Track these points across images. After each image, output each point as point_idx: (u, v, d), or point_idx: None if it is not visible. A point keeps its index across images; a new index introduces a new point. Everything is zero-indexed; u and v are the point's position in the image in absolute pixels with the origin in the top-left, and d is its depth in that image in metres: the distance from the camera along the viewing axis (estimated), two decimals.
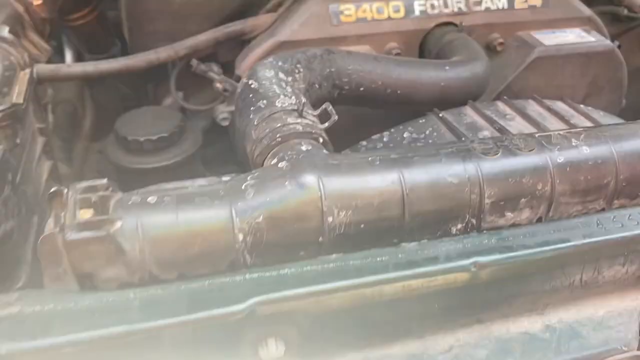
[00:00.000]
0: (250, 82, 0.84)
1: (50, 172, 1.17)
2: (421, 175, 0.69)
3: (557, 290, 0.71)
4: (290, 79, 0.86)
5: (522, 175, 0.72)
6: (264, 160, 0.73)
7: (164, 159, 1.15)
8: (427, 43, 1.35)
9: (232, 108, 1.29)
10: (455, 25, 1.34)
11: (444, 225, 0.71)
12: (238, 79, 1.24)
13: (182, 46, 1.23)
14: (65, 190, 0.64)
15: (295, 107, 0.76)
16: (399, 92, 1.11)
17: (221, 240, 0.64)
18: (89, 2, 1.42)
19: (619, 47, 1.80)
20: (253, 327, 0.60)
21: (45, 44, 1.28)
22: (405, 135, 1.01)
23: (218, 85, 1.28)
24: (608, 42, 1.43)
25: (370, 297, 0.63)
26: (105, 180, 0.66)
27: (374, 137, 1.03)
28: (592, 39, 1.41)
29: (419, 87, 1.12)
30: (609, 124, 0.87)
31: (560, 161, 0.73)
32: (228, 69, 1.34)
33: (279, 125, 0.74)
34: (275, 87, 0.81)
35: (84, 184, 0.66)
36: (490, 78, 1.34)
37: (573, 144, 0.76)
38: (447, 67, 1.15)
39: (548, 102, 1.08)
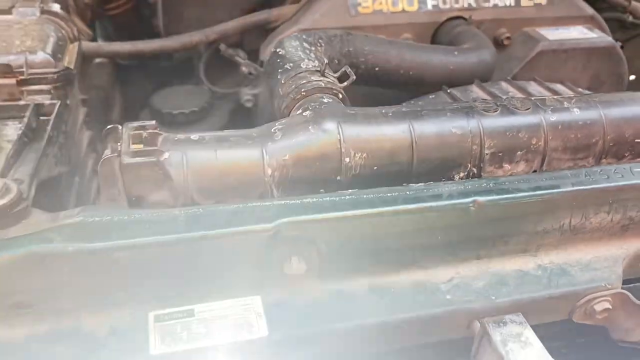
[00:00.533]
0: (278, 50, 0.95)
1: (90, 141, 1.28)
2: (429, 126, 0.79)
3: (548, 233, 0.79)
4: (313, 48, 0.96)
5: (518, 130, 0.81)
6: (290, 112, 0.83)
7: (194, 131, 1.24)
8: (438, 35, 1.45)
9: (256, 91, 1.40)
10: (464, 19, 1.44)
11: (448, 172, 0.81)
12: (262, 64, 1.35)
13: (212, 31, 1.34)
14: (120, 127, 0.74)
15: (318, 68, 0.86)
16: (411, 73, 1.21)
17: (253, 174, 0.74)
18: None
19: (621, 46, 1.89)
20: (279, 245, 0.69)
21: (87, 28, 1.40)
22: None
23: (244, 68, 1.38)
24: (609, 38, 1.52)
25: (380, 227, 0.72)
26: (154, 122, 0.76)
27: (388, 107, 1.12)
28: (594, 35, 1.50)
29: (429, 69, 1.22)
30: (598, 93, 0.95)
31: (552, 120, 0.83)
32: (252, 57, 1.45)
33: (303, 82, 0.84)
34: (300, 53, 0.92)
35: (136, 123, 0.76)
36: (497, 69, 1.45)
37: (565, 106, 0.85)
38: (456, 52, 1.25)
39: (549, 84, 1.17)
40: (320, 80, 0.84)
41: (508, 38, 1.49)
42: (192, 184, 0.72)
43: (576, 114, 0.84)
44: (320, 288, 0.73)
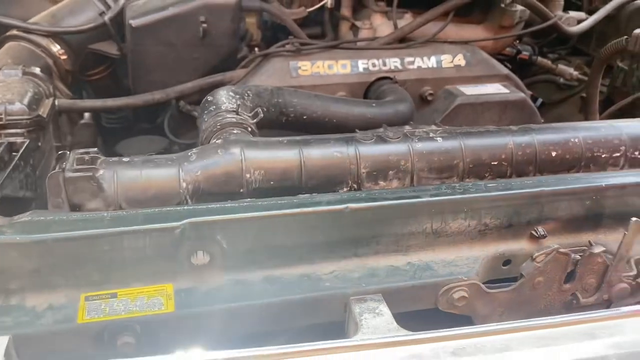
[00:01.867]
0: (208, 97, 1.17)
1: None
2: (315, 150, 1.00)
3: (414, 235, 0.97)
4: (238, 96, 1.18)
5: (388, 154, 1.02)
6: (209, 142, 1.04)
7: None
8: (369, 92, 1.69)
9: None
10: (391, 79, 1.69)
11: (333, 188, 1.00)
12: None
13: (172, 91, 1.58)
14: (68, 153, 0.95)
15: (234, 109, 1.07)
16: (335, 121, 1.43)
17: (170, 187, 0.94)
18: (105, 61, 1.79)
19: (542, 104, 2.14)
20: (186, 241, 0.88)
21: (68, 91, 1.64)
22: None
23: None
24: (521, 93, 1.75)
25: (271, 228, 0.91)
26: (96, 149, 0.97)
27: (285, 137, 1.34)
28: (506, 90, 1.74)
29: (350, 118, 1.44)
30: (461, 127, 1.16)
31: (418, 146, 1.03)
32: None
33: (220, 118, 1.06)
34: (224, 99, 1.14)
35: (82, 150, 0.97)
36: (422, 120, 1.67)
37: (430, 136, 1.06)
38: (374, 104, 1.48)
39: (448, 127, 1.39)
40: (234, 117, 1.06)
41: (432, 94, 1.73)
42: (120, 195, 0.92)
43: (439, 142, 1.05)
44: (223, 277, 0.91)
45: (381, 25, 1.86)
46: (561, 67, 2.29)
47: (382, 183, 1.02)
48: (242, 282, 0.91)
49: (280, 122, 1.37)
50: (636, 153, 1.15)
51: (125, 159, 0.95)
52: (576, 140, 1.11)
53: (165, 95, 1.57)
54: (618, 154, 1.14)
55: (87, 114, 1.95)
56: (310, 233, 0.93)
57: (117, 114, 1.99)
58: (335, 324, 0.94)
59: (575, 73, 2.29)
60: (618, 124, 1.18)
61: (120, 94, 1.93)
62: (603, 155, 1.13)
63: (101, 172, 0.92)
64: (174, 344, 0.87)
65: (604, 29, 2.36)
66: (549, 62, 2.30)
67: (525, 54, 2.22)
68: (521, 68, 2.38)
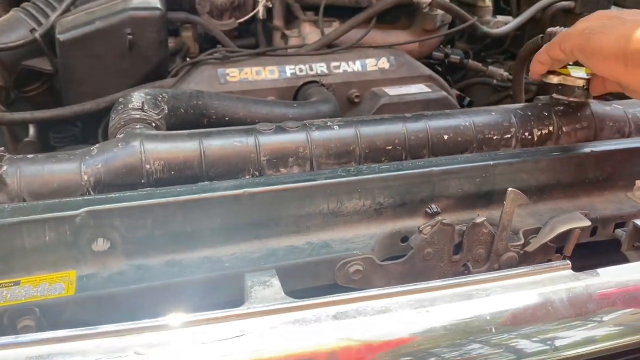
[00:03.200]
0: (120, 99, 1.22)
1: None
2: (215, 141, 1.05)
3: (311, 216, 1.03)
4: (149, 97, 1.24)
5: (288, 142, 1.08)
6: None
7: None
8: (297, 96, 1.75)
9: None
10: (317, 82, 1.76)
11: (234, 176, 1.06)
12: None
13: (103, 101, 1.62)
14: None
15: (140, 106, 1.13)
16: (257, 122, 1.48)
17: (72, 180, 0.98)
18: (40, 76, 1.83)
19: (470, 103, 2.23)
20: (86, 229, 0.92)
21: (2, 106, 1.68)
22: None
23: None
24: (442, 92, 1.83)
25: (170, 214, 0.96)
26: (2, 148, 1.01)
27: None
28: (429, 90, 1.82)
29: (272, 119, 1.50)
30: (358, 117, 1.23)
31: (315, 134, 1.10)
32: None
33: (124, 115, 1.11)
34: (134, 100, 1.19)
35: None
36: None
37: (328, 124, 1.12)
38: (295, 105, 1.55)
39: None
40: (137, 114, 1.11)
41: (358, 96, 1.80)
42: (23, 189, 0.96)
43: (335, 129, 1.11)
44: (124, 263, 0.95)
45: (310, 34, 1.95)
46: (492, 68, 2.39)
47: (283, 170, 1.07)
48: (143, 267, 0.96)
49: (202, 124, 1.42)
50: (526, 134, 1.23)
51: (29, 156, 1.00)
52: (467, 124, 1.18)
53: (96, 105, 1.61)
54: (509, 135, 1.21)
55: (31, 132, 1.99)
56: (209, 218, 0.98)
57: (64, 132, 2.03)
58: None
59: (506, 74, 2.38)
60: (509, 107, 1.27)
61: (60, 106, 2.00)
62: (494, 137, 1.20)
63: (4, 167, 0.96)
64: (76, 326, 0.90)
65: (533, 32, 2.48)
66: (480, 65, 2.40)
67: (455, 58, 2.32)
68: (454, 72, 2.49)
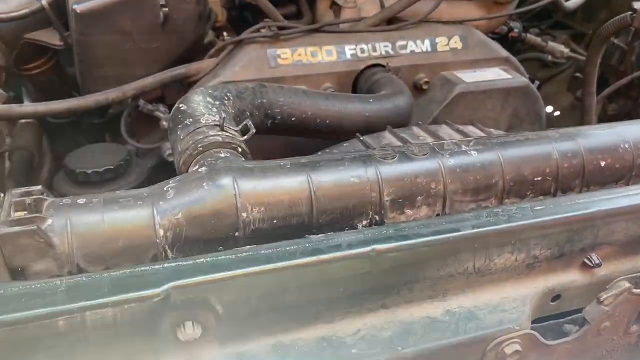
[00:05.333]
0: (180, 105, 0.94)
1: None
2: (327, 176, 0.78)
3: (453, 277, 0.79)
4: (217, 103, 0.96)
5: (416, 175, 0.82)
6: (188, 169, 0.81)
7: (110, 190, 1.21)
8: (358, 82, 1.48)
9: None
10: (383, 66, 1.48)
11: (351, 221, 0.80)
12: None
13: (130, 88, 1.32)
14: (2, 195, 0.71)
15: (218, 123, 0.85)
16: (327, 121, 1.22)
17: (143, 236, 0.71)
18: (45, 52, 1.51)
19: (538, 86, 1.97)
20: (171, 311, 0.66)
21: (1, 89, 1.36)
22: None
23: (164, 123, 1.37)
24: (523, 78, 1.57)
25: (278, 283, 0.71)
26: (39, 187, 0.73)
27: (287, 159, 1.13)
28: (508, 76, 1.56)
29: (345, 117, 1.23)
30: (497, 134, 0.98)
31: (450, 163, 0.84)
32: None
33: (201, 137, 0.83)
34: (201, 108, 0.91)
35: (20, 189, 0.73)
36: (419, 112, 1.48)
37: (463, 149, 0.86)
38: (371, 100, 1.27)
39: (459, 125, 1.20)
40: (218, 135, 0.83)
41: (427, 82, 1.53)
42: (77, 250, 0.69)
43: (474, 156, 0.85)
44: (220, 352, 0.70)
45: (366, 4, 1.64)
46: (552, 44, 2.13)
47: (409, 212, 0.82)
48: (244, 356, 0.71)
49: (264, 126, 1.15)
50: None
51: (80, 200, 0.72)
52: (626, 146, 0.94)
53: (122, 93, 1.32)
54: None
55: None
56: (328, 285, 0.73)
57: None
58: None
59: (566, 50, 2.13)
60: None
61: (65, 89, 1.68)
62: None
63: (49, 221, 0.69)
64: None
65: (591, 1, 2.22)
66: (539, 40, 2.14)
67: (515, 32, 2.05)
68: (506, 46, 2.22)
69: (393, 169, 0.81)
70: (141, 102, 1.37)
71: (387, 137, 1.13)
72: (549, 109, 2.18)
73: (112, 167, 1.22)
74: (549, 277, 0.85)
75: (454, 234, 0.77)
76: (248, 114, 1.06)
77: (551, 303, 0.86)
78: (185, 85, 1.43)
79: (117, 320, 0.64)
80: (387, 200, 0.80)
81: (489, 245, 0.79)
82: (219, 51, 1.43)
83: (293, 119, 1.18)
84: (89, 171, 1.20)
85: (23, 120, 1.59)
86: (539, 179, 0.88)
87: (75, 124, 1.80)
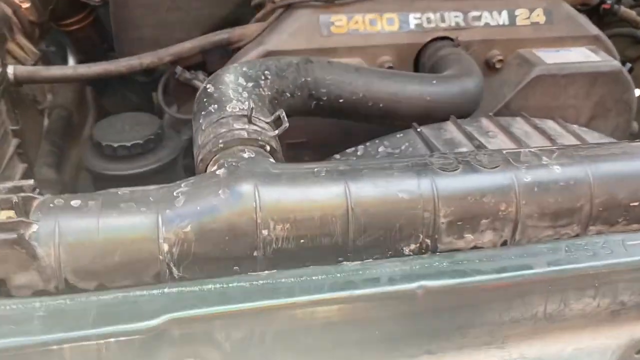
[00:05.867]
0: (207, 86, 0.80)
1: (24, 175, 1.16)
2: (370, 188, 0.64)
3: (518, 322, 0.64)
4: (251, 84, 0.82)
5: (482, 194, 0.66)
6: (207, 168, 0.69)
7: (138, 166, 1.12)
8: (421, 57, 1.30)
9: None
10: (451, 39, 1.29)
11: (395, 245, 0.65)
12: None
13: (166, 53, 1.20)
14: None
15: (245, 111, 0.71)
16: (381, 105, 1.06)
17: (144, 250, 0.59)
18: (84, 7, 1.41)
19: (630, 69, 1.72)
20: (167, 347, 0.55)
21: (33, 48, 1.27)
22: (380, 149, 0.96)
23: None
24: (615, 62, 1.35)
25: (301, 320, 0.58)
26: (31, 181, 0.63)
27: (349, 150, 0.98)
28: (597, 58, 1.34)
29: (402, 101, 1.07)
30: (587, 144, 0.80)
31: (527, 180, 0.67)
32: None
33: (224, 130, 0.69)
34: (230, 92, 0.77)
35: (10, 184, 0.62)
36: (489, 95, 1.29)
37: (543, 162, 0.69)
38: (434, 82, 1.10)
39: (537, 120, 1.02)
40: (244, 129, 0.69)
41: (501, 61, 1.33)
42: (65, 264, 0.58)
43: (557, 172, 0.69)
44: None
45: None
46: None
47: (469, 237, 0.67)
48: None
49: (307, 107, 1.00)
50: None
51: (75, 202, 0.61)
52: None
53: (157, 58, 1.20)
54: None
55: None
56: (361, 326, 0.60)
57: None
58: None
59: None
60: None
61: (106, 47, 1.58)
62: None
63: (35, 227, 0.58)
64: None
65: None
66: (633, 14, 1.87)
67: (608, 3, 1.79)
68: (595, 20, 1.95)
69: (454, 184, 0.66)
70: (178, 69, 1.24)
71: (450, 130, 0.97)
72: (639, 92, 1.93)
73: (141, 141, 1.11)
74: (636, 327, 0.69)
75: (525, 272, 0.62)
76: (288, 94, 0.92)
77: (635, 356, 0.70)
78: (228, 51, 1.30)
79: (101, 356, 0.54)
80: (443, 223, 0.65)
81: (567, 287, 0.64)
82: (267, 15, 1.28)
83: (341, 100, 1.03)
84: (115, 145, 1.10)
85: None
86: (636, 204, 0.70)
87: (125, 81, 1.71)
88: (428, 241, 0.66)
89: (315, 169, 0.65)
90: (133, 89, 1.70)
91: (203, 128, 0.72)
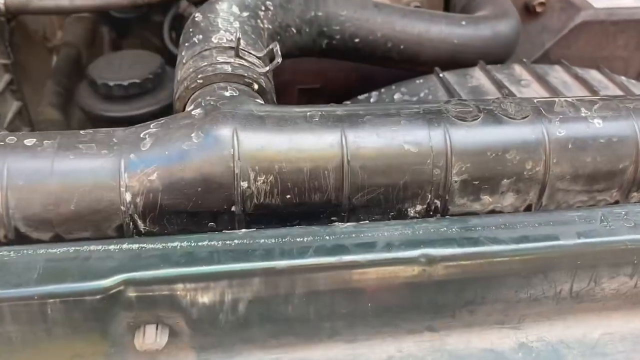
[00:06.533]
0: (196, 14, 0.71)
1: (19, 113, 1.09)
2: (370, 138, 0.54)
3: (537, 301, 0.55)
4: (246, 14, 0.71)
5: (505, 149, 0.56)
6: (185, 107, 0.60)
7: (136, 108, 1.03)
8: None
9: None
10: None
11: (398, 205, 0.56)
12: None
13: None
14: None
15: (231, 41, 0.61)
16: (402, 47, 0.95)
17: (104, 199, 0.51)
18: None
19: None
20: (125, 311, 0.48)
21: None
22: (396, 96, 0.85)
23: None
24: None
25: (279, 288, 0.50)
26: None
27: (361, 97, 0.88)
28: None
29: (426, 43, 0.95)
30: (636, 95, 0.68)
31: (560, 135, 0.56)
32: None
33: (205, 64, 0.60)
34: (219, 21, 0.67)
35: None
36: (527, 42, 1.16)
37: (582, 114, 0.58)
38: (463, 22, 0.97)
39: (578, 69, 0.89)
40: (228, 63, 0.60)
41: (542, 4, 1.19)
42: (14, 211, 0.51)
43: (597, 127, 0.57)
44: None
45: None
46: None
47: (486, 199, 0.57)
48: None
49: (317, 47, 0.90)
50: None
51: (29, 141, 0.53)
52: None
53: None
54: None
55: None
56: (352, 298, 0.52)
57: None
58: None
59: None
60: None
61: None
62: None
63: None
64: None
65: None
66: None
67: None
68: None
69: (471, 136, 0.55)
70: (184, 3, 1.14)
71: (477, 76, 0.85)
72: None
73: (138, 81, 1.02)
74: None
75: (550, 243, 0.52)
76: (294, 30, 0.82)
77: None
78: None
79: (47, 317, 0.47)
80: (455, 181, 0.55)
81: (599, 263, 0.54)
82: None
83: (356, 40, 0.92)
84: (111, 84, 1.02)
85: (75, 14, 1.44)
86: None
87: (141, 19, 1.62)
88: (437, 202, 0.56)
89: (308, 113, 0.55)
90: (155, 31, 1.61)
91: (184, 61, 0.63)
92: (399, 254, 0.50)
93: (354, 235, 0.52)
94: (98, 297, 0.46)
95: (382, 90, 0.88)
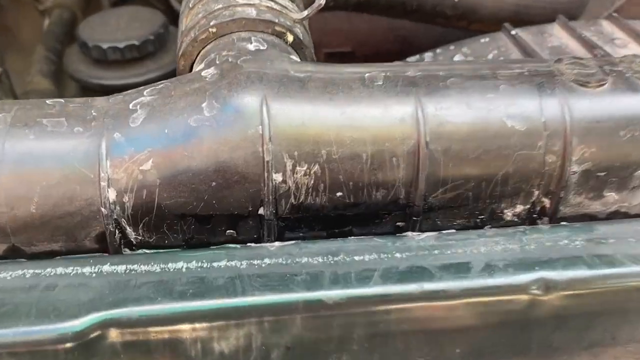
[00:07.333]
0: None
1: None
2: (457, 109, 0.38)
3: None
4: None
5: None
6: (191, 67, 0.44)
7: (134, 74, 0.87)
8: None
9: None
10: None
11: (492, 205, 0.40)
12: None
13: None
14: None
15: None
16: (456, 1, 0.78)
17: (77, 198, 0.36)
18: None
19: None
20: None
21: None
22: (456, 58, 0.69)
23: None
24: None
25: (330, 329, 0.34)
26: None
27: (410, 58, 0.71)
28: None
29: (487, 1, 0.78)
30: None
31: None
32: None
33: (219, 6, 0.43)
34: None
35: None
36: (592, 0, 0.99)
37: None
38: None
39: None
40: (252, 5, 0.43)
41: None
42: None
43: None
44: None
45: None
46: None
47: (613, 196, 0.41)
48: None
49: (349, 1, 0.73)
50: None
51: None
52: None
53: None
54: None
55: None
56: (435, 342, 0.36)
57: None
58: None
59: None
60: None
61: None
62: None
63: None
64: None
65: None
66: None
67: None
68: None
69: (599, 109, 0.39)
70: None
71: (557, 34, 0.68)
72: None
73: (137, 42, 0.86)
74: None
75: None
76: None
77: None
78: None
79: None
80: (574, 172, 0.39)
81: None
82: None
83: None
84: (105, 46, 0.85)
85: None
86: None
87: None
88: (545, 201, 0.40)
89: (367, 74, 0.39)
90: None
91: (191, 5, 0.46)
92: (506, 279, 0.35)
93: (436, 251, 0.36)
94: (67, 345, 0.31)
95: (438, 50, 0.71)
